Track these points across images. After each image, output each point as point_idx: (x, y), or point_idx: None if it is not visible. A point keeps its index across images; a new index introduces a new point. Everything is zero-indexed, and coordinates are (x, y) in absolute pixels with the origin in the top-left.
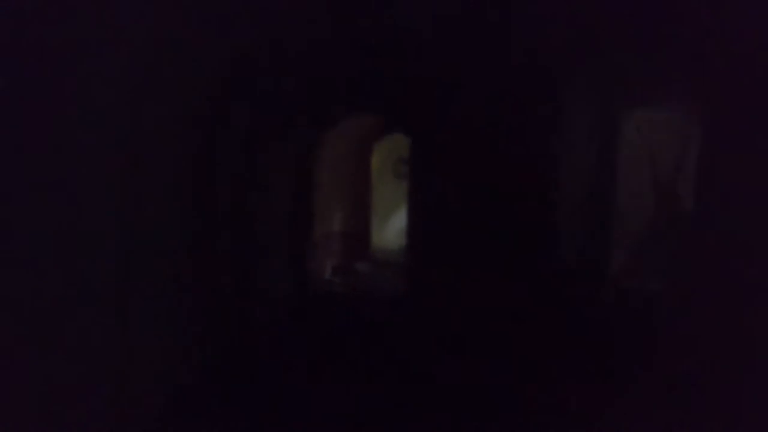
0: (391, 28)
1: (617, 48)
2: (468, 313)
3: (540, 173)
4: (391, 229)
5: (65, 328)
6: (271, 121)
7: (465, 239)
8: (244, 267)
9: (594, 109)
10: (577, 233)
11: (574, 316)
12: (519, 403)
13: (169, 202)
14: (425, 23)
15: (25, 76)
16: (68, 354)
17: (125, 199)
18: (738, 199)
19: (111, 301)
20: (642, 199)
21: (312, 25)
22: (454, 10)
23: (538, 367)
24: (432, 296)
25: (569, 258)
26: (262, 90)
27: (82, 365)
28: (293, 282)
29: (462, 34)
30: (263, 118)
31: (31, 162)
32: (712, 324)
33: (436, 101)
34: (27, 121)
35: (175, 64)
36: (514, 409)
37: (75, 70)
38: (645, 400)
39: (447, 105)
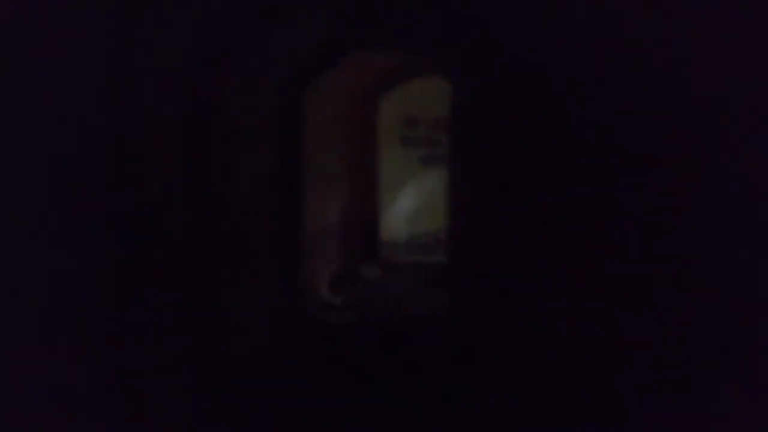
0: None
1: None
2: (531, 339)
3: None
4: (398, 215)
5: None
6: (238, 63)
7: (530, 233)
8: (206, 290)
9: None
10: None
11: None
12: None
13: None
14: None
15: None
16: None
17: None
18: None
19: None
20: None
21: None
22: None
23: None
24: (477, 314)
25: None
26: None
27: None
28: (276, 311)
29: None
30: (226, 59)
31: None
32: None
33: (497, 27)
34: None
35: None
36: None
37: None
38: None
39: (514, 30)
